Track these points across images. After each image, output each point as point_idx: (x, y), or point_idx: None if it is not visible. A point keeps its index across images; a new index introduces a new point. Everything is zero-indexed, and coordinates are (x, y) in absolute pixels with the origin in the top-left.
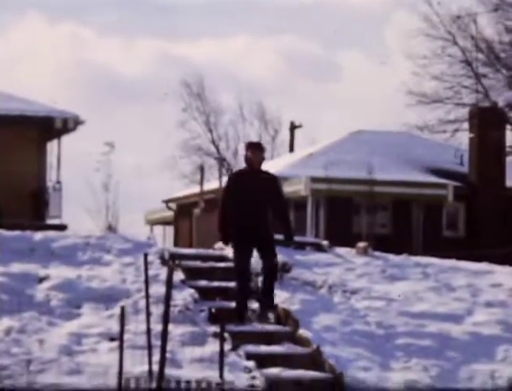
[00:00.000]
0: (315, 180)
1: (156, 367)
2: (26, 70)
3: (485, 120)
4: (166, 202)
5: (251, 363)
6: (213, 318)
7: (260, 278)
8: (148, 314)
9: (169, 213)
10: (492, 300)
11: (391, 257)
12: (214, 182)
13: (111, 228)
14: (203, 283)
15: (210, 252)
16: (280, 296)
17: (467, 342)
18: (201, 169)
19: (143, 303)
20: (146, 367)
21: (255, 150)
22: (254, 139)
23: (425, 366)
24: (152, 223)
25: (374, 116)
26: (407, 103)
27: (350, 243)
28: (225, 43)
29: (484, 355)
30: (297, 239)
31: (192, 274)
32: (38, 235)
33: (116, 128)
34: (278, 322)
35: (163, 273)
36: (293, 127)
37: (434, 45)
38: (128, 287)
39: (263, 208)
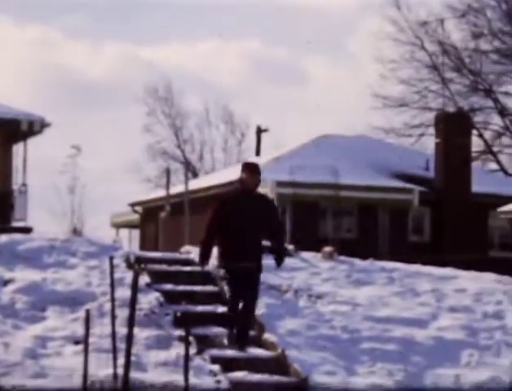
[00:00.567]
0: (280, 184)
1: (121, 371)
2: None
3: (451, 126)
4: (132, 205)
5: (216, 367)
6: (178, 322)
7: None
8: (113, 318)
9: (135, 217)
10: (457, 305)
11: (357, 261)
12: (180, 186)
13: (76, 231)
14: (168, 286)
15: (176, 255)
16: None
17: (432, 347)
18: (167, 172)
19: (108, 306)
20: (111, 371)
21: (252, 172)
22: (248, 162)
23: (390, 371)
24: (118, 226)
25: (340, 121)
26: (373, 106)
27: (315, 247)
28: (192, 47)
29: (448, 360)
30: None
31: (158, 277)
32: (3, 238)
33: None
34: None
35: (129, 276)
36: (259, 131)
37: (402, 49)
38: (93, 290)
39: (257, 234)
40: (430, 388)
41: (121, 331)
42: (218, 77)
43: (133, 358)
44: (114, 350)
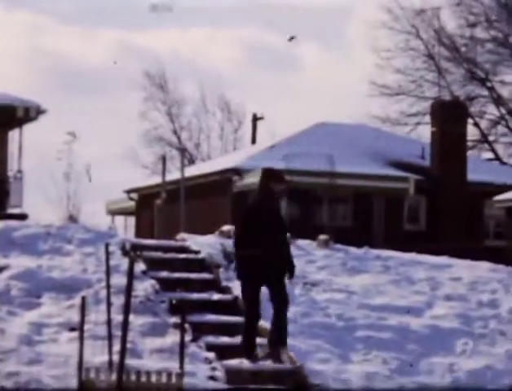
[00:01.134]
0: None
1: (116, 358)
2: None
3: (447, 114)
4: (128, 192)
5: (211, 354)
6: (173, 309)
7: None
8: (109, 305)
9: (131, 204)
10: (452, 294)
11: (352, 249)
12: (176, 173)
13: (72, 218)
14: (164, 274)
15: (172, 243)
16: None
17: (426, 335)
18: (163, 159)
19: (103, 293)
20: (106, 358)
21: (280, 182)
22: (269, 168)
23: (384, 359)
24: (114, 213)
25: (336, 108)
26: (369, 94)
27: (311, 235)
28: (186, 34)
29: (443, 348)
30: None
31: (153, 264)
32: None
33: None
34: (238, 313)
35: (124, 263)
36: (255, 119)
37: (397, 38)
38: (89, 277)
39: (283, 238)
40: (424, 377)
41: (117, 318)
42: (213, 64)
43: (128, 345)
44: (110, 337)
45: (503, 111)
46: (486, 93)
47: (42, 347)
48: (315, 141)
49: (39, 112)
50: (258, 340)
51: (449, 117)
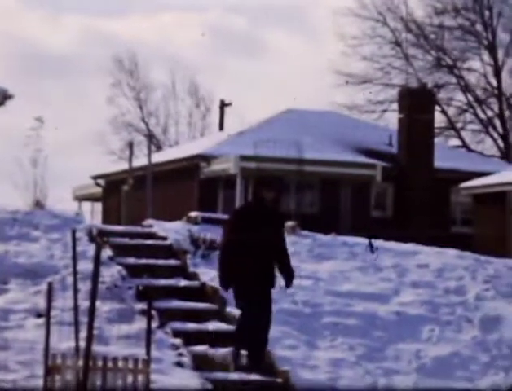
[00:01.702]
0: (244, 158)
1: (83, 344)
2: None
3: (414, 102)
4: (95, 178)
5: (178, 341)
6: (140, 296)
7: None
8: (76, 291)
9: (98, 190)
10: (419, 281)
11: (319, 236)
12: (143, 159)
13: (39, 204)
14: (131, 260)
15: (139, 229)
16: (208, 274)
17: (393, 322)
18: (130, 145)
19: (70, 279)
20: (73, 344)
21: (270, 190)
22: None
23: (351, 346)
24: (81, 199)
25: (304, 95)
26: (336, 83)
27: None
28: (153, 19)
29: (410, 335)
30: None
31: (120, 251)
32: None
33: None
34: (205, 299)
35: (91, 249)
36: (222, 105)
37: (364, 25)
38: (55, 263)
39: (272, 250)
40: (390, 364)
41: (84, 304)
42: (180, 50)
43: (95, 332)
44: (76, 323)
45: (470, 98)
46: (453, 80)
47: (9, 333)
48: (283, 128)
49: (6, 97)
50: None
51: (416, 104)
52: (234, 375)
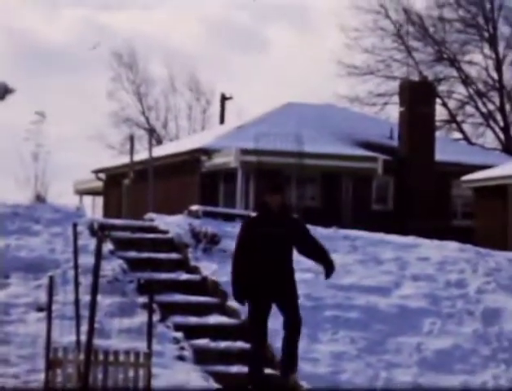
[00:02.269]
0: (244, 152)
1: (84, 338)
2: None
3: (415, 94)
4: (96, 172)
5: (179, 334)
6: (141, 289)
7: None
8: (77, 285)
9: (99, 184)
10: (419, 274)
11: (320, 229)
12: (144, 153)
13: (40, 198)
14: (132, 253)
15: (140, 223)
16: (209, 268)
17: (394, 315)
18: (131, 139)
19: (71, 273)
20: (74, 337)
21: (273, 194)
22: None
23: (352, 338)
24: (82, 193)
25: (305, 89)
26: (337, 74)
27: None
28: (151, 13)
29: (411, 328)
30: (226, 210)
31: (121, 244)
32: None
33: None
34: (206, 293)
35: (92, 243)
36: (223, 99)
37: (366, 18)
38: (57, 257)
39: (285, 255)
40: (391, 356)
41: (85, 298)
42: (181, 44)
43: (96, 325)
44: (77, 317)
45: (471, 91)
46: (454, 73)
47: (10, 327)
48: (284, 121)
49: (6, 91)
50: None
51: (417, 97)
52: (234, 368)
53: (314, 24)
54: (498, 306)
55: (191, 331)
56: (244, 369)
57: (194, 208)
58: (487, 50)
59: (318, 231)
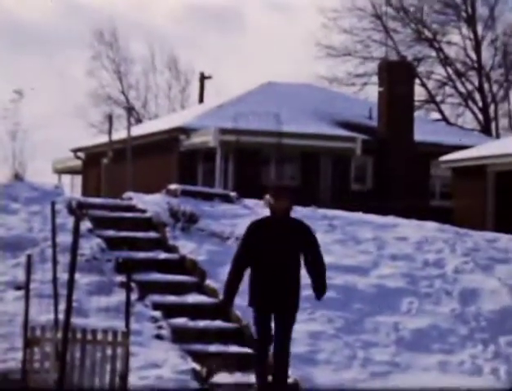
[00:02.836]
0: (223, 131)
1: (62, 316)
2: None
3: (394, 75)
4: (74, 151)
5: (158, 313)
6: (120, 268)
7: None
8: (55, 263)
9: (78, 162)
10: (398, 254)
11: (299, 208)
12: (123, 132)
13: (18, 176)
14: (110, 232)
15: (118, 201)
16: (187, 247)
17: (372, 294)
18: (110, 118)
19: (49, 252)
20: (52, 316)
21: (278, 197)
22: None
23: (330, 318)
24: (60, 172)
25: (283, 68)
26: (316, 56)
27: (258, 194)
28: None
29: (389, 307)
30: (205, 189)
31: (100, 223)
32: None
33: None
34: (185, 272)
35: (70, 222)
36: (202, 78)
37: None
38: (35, 235)
39: (290, 264)
40: (369, 336)
41: (63, 276)
42: (160, 23)
43: (74, 304)
44: (55, 296)
45: (450, 71)
46: (433, 53)
47: None
48: (263, 100)
49: None
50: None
51: (396, 78)
52: (213, 347)
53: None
54: (476, 286)
55: (169, 310)
56: (223, 348)
57: (172, 187)
58: (465, 31)
59: (297, 210)
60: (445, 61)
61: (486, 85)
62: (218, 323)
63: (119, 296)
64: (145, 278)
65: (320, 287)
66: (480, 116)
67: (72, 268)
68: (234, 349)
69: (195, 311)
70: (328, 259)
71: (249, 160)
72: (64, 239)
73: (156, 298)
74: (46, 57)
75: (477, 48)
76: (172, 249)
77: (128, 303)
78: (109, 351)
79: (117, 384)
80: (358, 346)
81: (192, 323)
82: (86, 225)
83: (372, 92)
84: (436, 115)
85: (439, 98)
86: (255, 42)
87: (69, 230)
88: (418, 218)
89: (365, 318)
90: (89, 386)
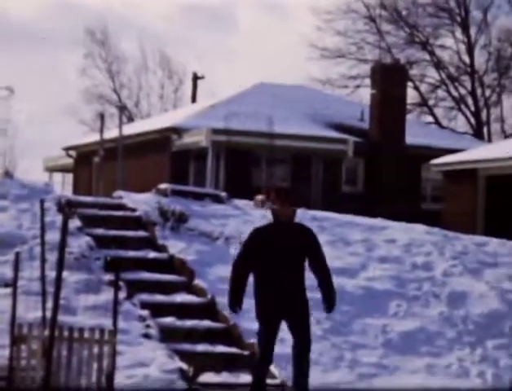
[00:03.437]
0: (215, 131)
1: (49, 314)
2: None
3: (387, 77)
4: (66, 149)
5: (145, 312)
6: (108, 267)
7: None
8: (43, 261)
9: (69, 161)
10: (387, 256)
11: None
12: (115, 131)
13: (8, 174)
14: (100, 231)
15: (108, 200)
16: (176, 247)
17: (360, 296)
18: (102, 116)
19: (38, 249)
20: (40, 314)
21: (283, 200)
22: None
23: (318, 319)
24: (52, 170)
25: (276, 69)
26: (309, 57)
27: (248, 195)
28: None
29: (377, 309)
30: (195, 189)
31: (89, 221)
32: None
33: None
34: (173, 271)
35: (59, 220)
36: (195, 78)
37: (338, 0)
38: (24, 233)
39: (296, 270)
40: (357, 338)
41: (51, 274)
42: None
43: (62, 302)
44: (43, 293)
45: (443, 75)
46: (426, 57)
47: None
48: (255, 101)
49: None
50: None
51: (389, 80)
52: (200, 347)
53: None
54: (464, 289)
55: (157, 309)
56: (210, 348)
57: (162, 186)
58: (459, 35)
59: None
60: (438, 65)
61: (479, 90)
62: (206, 323)
63: (107, 295)
64: (133, 277)
65: (330, 300)
66: (472, 120)
67: (60, 266)
68: (221, 348)
69: (183, 311)
70: None
71: (240, 161)
72: (53, 237)
73: (145, 297)
74: (38, 55)
75: (470, 52)
76: (161, 249)
77: (116, 301)
78: (96, 349)
79: (104, 382)
80: (346, 348)
81: (179, 323)
82: (75, 223)
83: (364, 94)
84: (428, 118)
85: (431, 102)
86: (248, 43)
87: (58, 228)
88: (409, 221)
89: (353, 319)
90: (75, 384)
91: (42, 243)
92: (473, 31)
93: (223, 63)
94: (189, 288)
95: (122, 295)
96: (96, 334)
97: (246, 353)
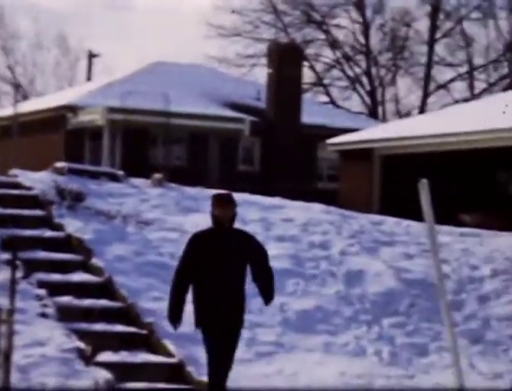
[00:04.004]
0: (111, 110)
1: None
2: None
3: (283, 57)
4: None
5: (42, 291)
6: (5, 246)
7: None
8: None
9: None
10: (284, 235)
11: (186, 189)
12: (9, 109)
13: None
14: None
15: (3, 179)
16: (73, 225)
17: None
18: None
19: None
20: None
21: (223, 205)
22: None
23: None
24: None
25: (173, 48)
26: (206, 35)
27: (145, 174)
28: None
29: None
30: (91, 168)
31: None
32: None
33: None
34: (70, 250)
35: None
36: (90, 56)
37: None
38: None
39: (237, 275)
40: (255, 316)
41: None
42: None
43: None
44: None
45: (338, 54)
46: (322, 36)
47: None
48: (152, 80)
49: None
50: None
51: (285, 60)
52: (97, 326)
53: None
54: (361, 268)
55: (54, 289)
56: (108, 327)
57: (59, 165)
58: (354, 15)
59: (184, 191)
60: (333, 44)
61: (373, 70)
62: (104, 302)
63: (4, 274)
64: (30, 256)
65: (269, 295)
66: (367, 100)
67: None
68: (119, 328)
69: (80, 290)
70: None
71: (136, 140)
72: None
73: (42, 276)
74: None
75: (365, 32)
76: (58, 227)
77: (13, 281)
78: None
79: (1, 361)
80: (244, 326)
81: (76, 302)
82: None
83: (261, 74)
84: (324, 97)
85: (326, 81)
86: (145, 21)
87: None
88: (305, 200)
89: (251, 298)
90: None
91: None
92: (368, 11)
93: (120, 42)
94: (86, 267)
95: (19, 274)
96: None
97: (144, 332)
